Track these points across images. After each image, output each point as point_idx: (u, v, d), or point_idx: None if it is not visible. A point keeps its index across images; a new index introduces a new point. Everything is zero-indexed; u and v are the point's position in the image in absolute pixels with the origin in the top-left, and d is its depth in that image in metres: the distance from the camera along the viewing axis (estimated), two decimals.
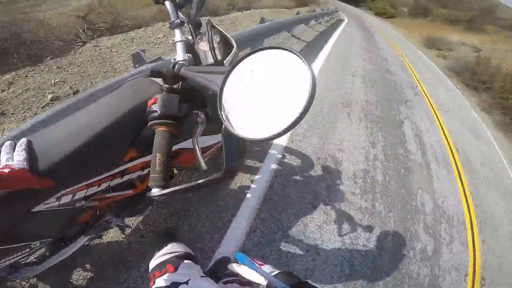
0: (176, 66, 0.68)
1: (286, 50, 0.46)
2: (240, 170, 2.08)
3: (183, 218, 1.67)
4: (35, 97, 2.42)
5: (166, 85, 0.67)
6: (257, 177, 2.10)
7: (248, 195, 1.93)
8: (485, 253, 2.84)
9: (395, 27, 21.94)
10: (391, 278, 2.04)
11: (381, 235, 2.29)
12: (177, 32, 0.92)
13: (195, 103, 0.70)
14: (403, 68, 7.78)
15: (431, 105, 5.62)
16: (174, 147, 0.85)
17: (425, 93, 6.21)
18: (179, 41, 0.89)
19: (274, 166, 2.26)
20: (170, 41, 0.93)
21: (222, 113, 0.49)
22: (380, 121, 3.85)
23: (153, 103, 0.62)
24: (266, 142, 2.47)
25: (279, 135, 0.41)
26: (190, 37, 0.98)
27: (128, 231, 1.51)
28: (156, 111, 0.61)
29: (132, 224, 1.56)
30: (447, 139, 4.48)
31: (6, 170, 0.50)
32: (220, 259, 1.49)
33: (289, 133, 2.69)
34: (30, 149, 0.58)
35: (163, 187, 0.58)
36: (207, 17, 1.00)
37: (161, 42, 3.68)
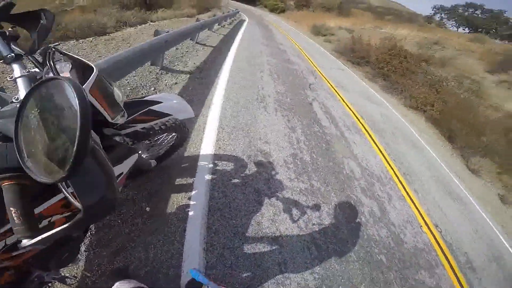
0: None
1: (61, 80, 0.46)
2: (119, 202, 1.82)
3: (130, 254, 1.51)
4: None
5: None
6: (193, 192, 2.02)
7: (191, 213, 1.86)
8: (423, 203, 3.43)
9: (286, 20, 24.45)
10: (359, 247, 2.26)
11: (329, 209, 2.50)
12: (15, 67, 0.79)
13: None
14: (301, 56, 8.78)
15: (330, 84, 6.55)
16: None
17: (322, 75, 7.19)
18: (20, 77, 0.76)
19: (208, 176, 2.20)
20: (8, 78, 0.80)
21: (26, 160, 0.48)
22: (293, 108, 4.25)
23: None
24: (194, 155, 2.40)
25: (65, 178, 0.42)
26: (36, 69, 0.84)
27: (74, 282, 1.30)
28: None
29: (76, 273, 1.35)
30: (351, 109, 5.32)
31: None
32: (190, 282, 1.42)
33: (214, 140, 2.69)
34: None
35: (32, 236, 0.52)
36: (50, 45, 0.86)
37: None
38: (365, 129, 4.67)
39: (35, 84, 0.48)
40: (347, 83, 7.45)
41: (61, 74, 0.78)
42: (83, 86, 0.74)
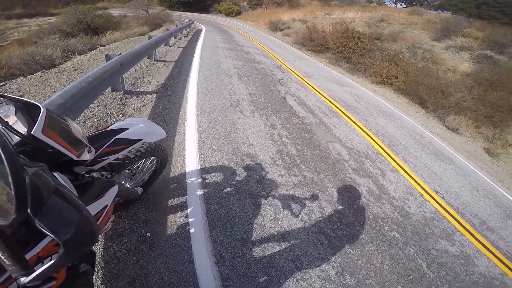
0: None
1: None
2: (98, 233, 1.80)
3: (145, 280, 1.51)
4: None
5: None
6: (189, 210, 1.98)
7: (192, 230, 1.84)
8: (416, 170, 3.51)
9: (244, 22, 24.66)
10: (368, 228, 2.26)
11: (328, 196, 2.51)
12: None
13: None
14: (265, 54, 8.85)
15: (298, 76, 6.66)
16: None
17: (289, 68, 7.29)
18: None
19: (199, 191, 2.16)
20: None
21: None
22: (268, 105, 4.24)
23: None
24: (180, 174, 2.33)
25: (17, 219, 0.47)
26: None
27: None
28: None
29: None
30: (323, 96, 5.43)
31: None
32: None
33: (196, 155, 2.61)
34: None
35: (27, 274, 0.56)
36: None
37: None
38: (341, 111, 4.78)
39: None
40: (313, 72, 7.62)
41: (5, 119, 0.73)
42: (33, 129, 0.72)
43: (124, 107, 3.35)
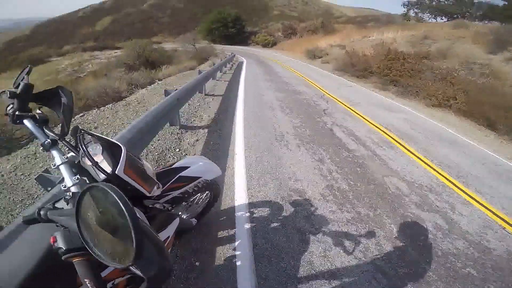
0: (42, 213, 0.69)
1: (102, 186, 0.53)
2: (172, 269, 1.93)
3: None
4: None
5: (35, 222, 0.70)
6: (236, 243, 1.99)
7: (238, 263, 1.84)
8: (492, 202, 3.05)
9: (280, 51, 25.73)
10: (436, 265, 2.02)
11: (386, 233, 2.29)
12: (54, 153, 0.84)
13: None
14: (306, 84, 8.96)
15: (344, 104, 6.49)
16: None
17: (333, 97, 7.18)
18: (61, 164, 0.82)
19: (247, 225, 2.17)
20: (52, 166, 0.85)
21: (94, 249, 0.55)
22: (314, 138, 4.14)
23: (54, 241, 0.64)
24: (230, 207, 2.39)
25: (132, 264, 0.50)
26: (72, 153, 0.91)
27: None
28: (61, 247, 0.63)
29: None
30: (373, 125, 5.14)
31: None
32: None
33: (245, 189, 2.66)
34: None
35: None
36: (77, 128, 0.91)
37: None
38: (396, 141, 4.43)
39: (82, 190, 0.56)
40: (360, 99, 7.37)
41: (94, 157, 0.84)
42: (117, 169, 0.83)
43: (180, 141, 3.62)
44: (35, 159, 3.09)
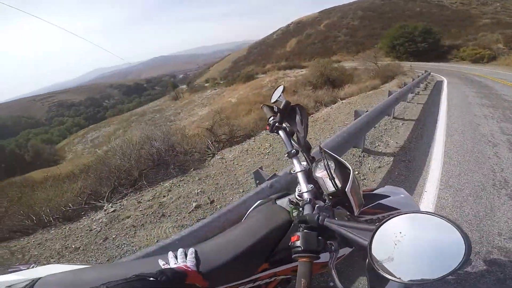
0: (320, 217, 0.74)
1: (442, 218, 0.49)
2: None
3: None
4: (184, 204, 2.97)
5: (304, 224, 0.75)
6: None
7: None
8: None
9: (504, 68, 18.28)
10: None
11: None
12: (295, 162, 1.01)
13: (328, 236, 0.75)
14: None
15: None
16: None
17: None
18: (300, 171, 0.97)
19: None
20: (291, 172, 1.02)
21: (375, 264, 0.53)
22: None
23: (296, 240, 0.71)
24: None
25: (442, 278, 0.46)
26: (305, 163, 1.02)
27: None
28: (300, 247, 0.69)
29: None
30: None
31: (189, 269, 0.76)
32: None
33: None
34: (196, 256, 0.83)
35: None
36: (319, 145, 1.05)
37: (268, 152, 4.12)
38: None
39: (403, 212, 0.56)
40: None
41: (330, 170, 0.92)
42: (347, 187, 0.86)
43: (361, 165, 3.48)
44: (247, 154, 4.17)
